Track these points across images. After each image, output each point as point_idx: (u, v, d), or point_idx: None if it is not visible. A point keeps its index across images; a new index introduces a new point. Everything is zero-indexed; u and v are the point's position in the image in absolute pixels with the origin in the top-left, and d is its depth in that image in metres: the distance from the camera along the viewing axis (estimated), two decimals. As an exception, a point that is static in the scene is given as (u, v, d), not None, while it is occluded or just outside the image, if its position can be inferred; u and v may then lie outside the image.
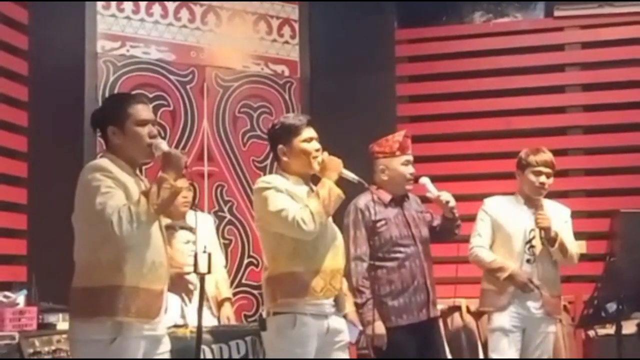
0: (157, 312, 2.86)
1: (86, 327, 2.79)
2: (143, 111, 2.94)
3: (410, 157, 3.82)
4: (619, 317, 3.82)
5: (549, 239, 4.05)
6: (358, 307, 3.64)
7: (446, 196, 3.77)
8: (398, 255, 3.71)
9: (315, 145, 3.37)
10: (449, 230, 3.87)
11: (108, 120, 2.92)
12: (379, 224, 3.71)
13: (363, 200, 3.75)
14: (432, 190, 3.82)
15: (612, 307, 3.79)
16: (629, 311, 3.96)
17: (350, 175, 3.41)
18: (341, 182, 3.40)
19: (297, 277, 3.23)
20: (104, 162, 2.88)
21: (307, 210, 3.20)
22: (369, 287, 3.65)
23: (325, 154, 3.37)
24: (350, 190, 3.50)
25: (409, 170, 3.79)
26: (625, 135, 5.87)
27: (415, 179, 3.90)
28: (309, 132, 3.38)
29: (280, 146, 3.39)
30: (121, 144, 2.91)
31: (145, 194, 2.78)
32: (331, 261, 3.30)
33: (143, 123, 2.92)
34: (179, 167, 2.85)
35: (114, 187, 2.78)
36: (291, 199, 3.27)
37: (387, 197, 3.77)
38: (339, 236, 3.42)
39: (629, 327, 4.29)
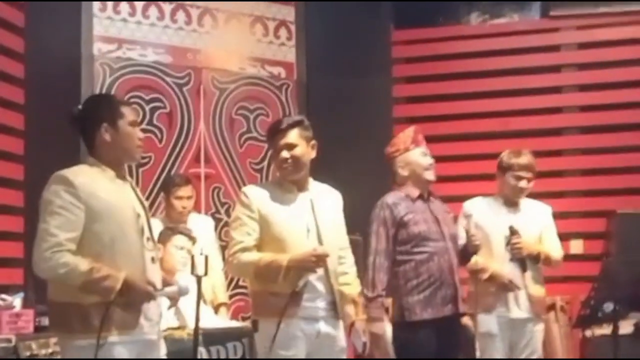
0: (136, 323, 2.79)
1: (70, 337, 2.76)
2: (134, 113, 3.00)
3: (425, 150, 3.80)
4: (616, 317, 3.82)
5: (532, 258, 4.06)
6: (367, 300, 3.54)
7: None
8: (427, 249, 3.63)
9: (285, 154, 3.28)
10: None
11: (101, 118, 2.88)
12: (406, 218, 3.64)
13: (392, 196, 3.71)
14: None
15: (608, 307, 3.79)
16: (625, 311, 3.97)
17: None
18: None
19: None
20: (74, 172, 2.82)
21: (250, 257, 3.20)
22: (384, 283, 3.57)
23: (321, 248, 3.23)
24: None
25: (428, 160, 3.78)
26: (621, 135, 5.88)
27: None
28: (285, 138, 3.29)
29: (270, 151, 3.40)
30: (111, 142, 2.87)
31: (94, 270, 2.69)
32: None
33: (135, 124, 2.95)
34: (134, 301, 2.78)
35: (68, 209, 2.72)
36: (255, 222, 3.23)
37: (414, 192, 3.73)
38: None
39: (625, 327, 4.30)
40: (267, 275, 3.17)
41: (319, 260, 3.17)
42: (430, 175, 3.75)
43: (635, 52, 5.91)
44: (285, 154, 3.26)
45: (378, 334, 3.53)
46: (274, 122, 3.44)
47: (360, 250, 3.84)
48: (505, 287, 4.03)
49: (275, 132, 3.30)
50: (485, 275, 4.06)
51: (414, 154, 3.75)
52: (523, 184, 4.11)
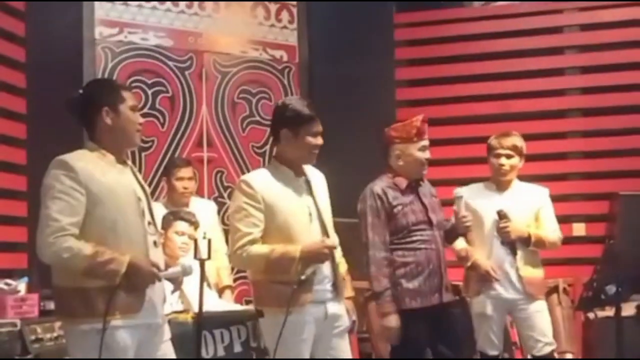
0: (140, 306, 2.79)
1: (73, 321, 2.77)
2: (135, 98, 3.00)
3: (427, 143, 3.78)
4: (618, 299, 3.83)
5: (522, 241, 4.07)
6: (375, 295, 3.58)
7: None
8: (415, 239, 3.65)
9: (320, 140, 3.26)
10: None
11: (102, 101, 2.88)
12: (395, 210, 3.64)
13: (379, 185, 3.69)
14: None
15: (611, 289, 3.80)
16: (628, 293, 3.97)
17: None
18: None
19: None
20: (74, 157, 2.82)
21: (260, 250, 3.15)
22: (388, 276, 3.58)
23: (330, 240, 3.25)
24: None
25: (425, 155, 3.77)
26: (624, 117, 5.87)
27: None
28: (318, 126, 3.26)
29: (284, 130, 3.24)
30: (112, 126, 2.87)
31: (99, 253, 2.70)
32: None
33: (135, 109, 2.95)
34: (139, 283, 2.78)
35: (69, 193, 2.73)
36: (260, 213, 3.18)
37: (403, 182, 3.71)
38: None
39: (628, 310, 4.32)
40: (280, 267, 3.15)
41: (330, 251, 3.20)
42: (423, 171, 3.76)
43: (638, 34, 5.89)
44: (320, 140, 3.26)
45: (391, 326, 3.56)
46: (297, 106, 3.27)
47: (361, 234, 3.83)
48: (483, 277, 4.05)
49: (308, 118, 3.23)
50: (468, 264, 4.09)
51: (414, 147, 3.73)
52: (502, 160, 4.14)
